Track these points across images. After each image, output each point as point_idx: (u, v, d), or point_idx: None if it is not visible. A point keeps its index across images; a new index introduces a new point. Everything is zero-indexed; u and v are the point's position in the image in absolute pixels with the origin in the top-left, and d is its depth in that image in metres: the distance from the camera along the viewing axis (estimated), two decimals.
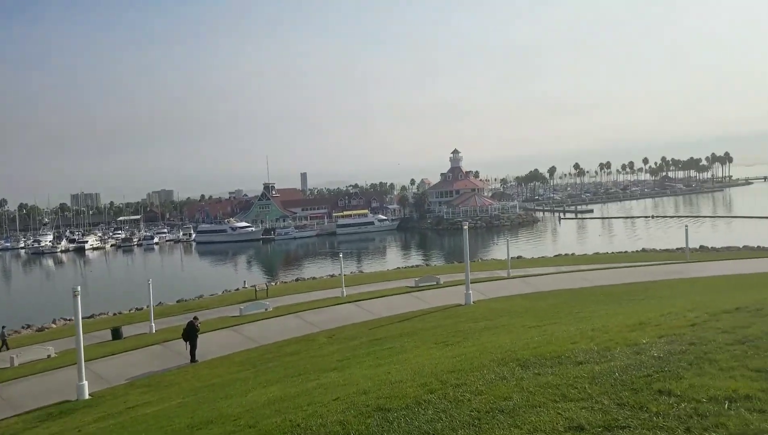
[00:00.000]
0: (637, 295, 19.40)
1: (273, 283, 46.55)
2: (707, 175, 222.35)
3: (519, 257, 51.44)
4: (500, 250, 67.36)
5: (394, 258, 76.56)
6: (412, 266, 55.80)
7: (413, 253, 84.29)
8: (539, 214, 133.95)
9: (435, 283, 32.66)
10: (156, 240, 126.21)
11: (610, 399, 4.60)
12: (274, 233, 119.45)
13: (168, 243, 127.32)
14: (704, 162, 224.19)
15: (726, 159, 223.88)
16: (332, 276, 47.85)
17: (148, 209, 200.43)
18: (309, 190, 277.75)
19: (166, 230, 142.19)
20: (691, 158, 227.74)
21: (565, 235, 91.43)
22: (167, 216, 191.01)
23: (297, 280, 51.00)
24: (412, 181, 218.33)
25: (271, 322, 25.09)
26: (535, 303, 21.30)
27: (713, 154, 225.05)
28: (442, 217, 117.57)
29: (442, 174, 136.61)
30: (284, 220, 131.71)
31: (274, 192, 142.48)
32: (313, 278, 49.25)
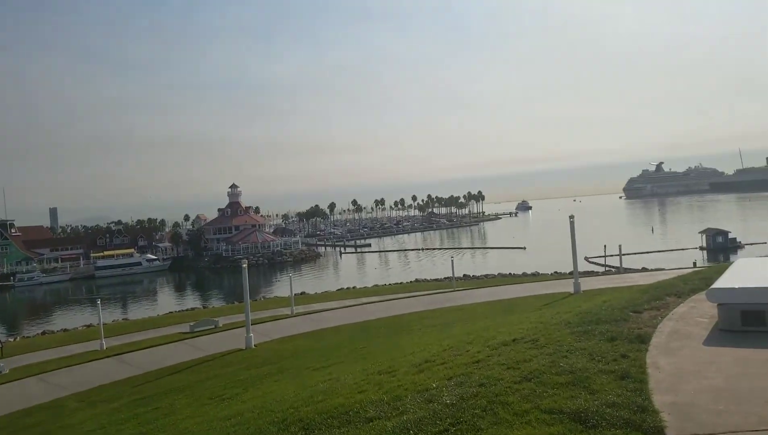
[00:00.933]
0: (416, 324, 19.94)
1: (11, 339, 39.16)
2: (465, 211, 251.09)
3: (303, 293, 51.15)
4: (283, 286, 66.45)
5: (166, 301, 70.45)
6: (188, 309, 51.67)
7: (189, 294, 78.82)
8: (321, 249, 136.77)
9: (213, 326, 30.30)
10: None
11: None
12: (13, 279, 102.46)
13: None
14: (462, 200, 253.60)
15: (479, 197, 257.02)
16: (89, 326, 41.96)
17: None
18: (60, 227, 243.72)
19: None
20: (452, 196, 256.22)
21: (346, 269, 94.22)
22: None
23: (43, 333, 43.60)
24: (187, 217, 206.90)
25: (6, 388, 20.48)
26: (320, 341, 20.70)
27: (469, 192, 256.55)
28: (221, 255, 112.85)
29: (219, 209, 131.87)
30: (28, 263, 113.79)
31: (13, 230, 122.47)
32: (65, 330, 42.49)
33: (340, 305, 33.41)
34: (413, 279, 59.71)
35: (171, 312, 50.02)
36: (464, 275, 56.11)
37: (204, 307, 53.03)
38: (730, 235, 74.12)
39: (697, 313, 7.27)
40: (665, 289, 9.11)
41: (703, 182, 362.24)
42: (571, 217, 24.38)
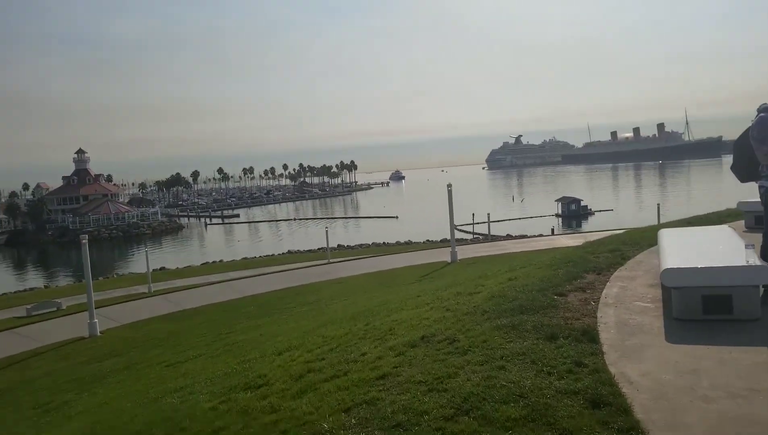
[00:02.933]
0: (290, 302, 18.19)
1: None
2: (338, 180, 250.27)
3: (162, 269, 46.95)
4: (141, 261, 60.98)
5: (1, 281, 61.85)
6: (26, 290, 45.29)
7: (29, 273, 70.06)
8: (184, 220, 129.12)
9: (55, 309, 26.19)
10: None
11: None
12: None
13: None
14: (335, 169, 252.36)
15: (352, 167, 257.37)
16: None
17: None
18: None
19: None
20: (324, 165, 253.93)
21: (212, 242, 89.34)
22: None
23: None
24: (26, 186, 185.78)
25: None
26: (180, 325, 18.25)
27: (342, 162, 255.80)
28: (68, 228, 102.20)
29: (64, 177, 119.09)
30: None
31: None
32: None
33: (205, 281, 30.58)
34: (286, 250, 57.47)
35: (5, 293, 43.31)
36: (338, 245, 54.88)
37: (46, 287, 46.81)
38: (582, 203, 79.88)
39: (634, 296, 6.13)
40: (578, 264, 8.00)
41: (557, 154, 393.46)
42: (449, 185, 24.15)
